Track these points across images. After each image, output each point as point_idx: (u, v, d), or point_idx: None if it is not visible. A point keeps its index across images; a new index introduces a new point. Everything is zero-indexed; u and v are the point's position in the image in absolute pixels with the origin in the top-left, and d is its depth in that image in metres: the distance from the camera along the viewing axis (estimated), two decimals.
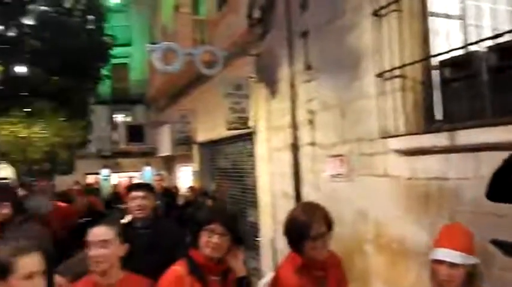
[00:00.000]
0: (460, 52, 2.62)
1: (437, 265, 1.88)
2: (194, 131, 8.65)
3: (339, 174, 3.71)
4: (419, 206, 2.83)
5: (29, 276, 1.68)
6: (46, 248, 1.89)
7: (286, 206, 4.28)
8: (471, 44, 2.55)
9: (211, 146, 8.11)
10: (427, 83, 2.94)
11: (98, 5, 13.87)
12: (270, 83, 5.07)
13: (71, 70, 11.98)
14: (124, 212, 3.36)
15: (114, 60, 15.08)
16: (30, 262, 1.70)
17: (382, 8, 3.09)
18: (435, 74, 2.89)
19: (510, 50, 2.34)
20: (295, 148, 4.47)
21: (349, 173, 3.58)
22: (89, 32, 12.93)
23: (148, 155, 15.13)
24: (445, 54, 2.69)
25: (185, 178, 10.42)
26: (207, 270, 2.13)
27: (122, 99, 20.84)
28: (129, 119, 19.74)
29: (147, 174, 16.70)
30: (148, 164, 16.90)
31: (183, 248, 2.43)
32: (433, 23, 3.00)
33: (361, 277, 3.38)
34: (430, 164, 2.73)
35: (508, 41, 2.33)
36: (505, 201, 1.79)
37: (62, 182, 12.78)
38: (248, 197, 6.25)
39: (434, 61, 2.88)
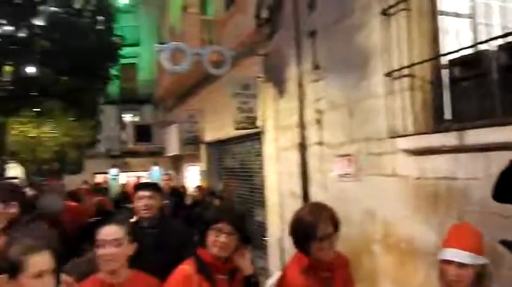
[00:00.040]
0: (470, 51, 2.60)
1: (446, 265, 1.87)
2: (202, 130, 8.67)
3: (346, 174, 3.70)
4: (428, 206, 2.81)
5: (39, 274, 1.69)
6: (54, 248, 1.90)
7: (294, 205, 4.28)
8: (481, 42, 2.53)
9: (219, 146, 8.13)
10: (436, 83, 2.92)
11: (108, 6, 13.94)
12: (278, 82, 5.07)
13: (80, 70, 12.06)
14: (133, 212, 3.38)
15: (122, 61, 15.16)
16: (41, 261, 1.72)
17: (390, 7, 3.07)
18: (444, 73, 2.87)
19: None
20: (303, 147, 4.47)
21: (357, 173, 3.57)
22: (98, 32, 13.00)
23: (156, 154, 15.20)
24: (455, 53, 2.67)
25: (193, 177, 10.45)
26: (214, 269, 2.14)
27: (130, 99, 20.98)
28: (137, 119, 19.86)
29: (155, 173, 16.78)
30: (156, 164, 16.99)
31: (191, 247, 2.44)
32: (443, 21, 2.98)
33: (369, 277, 3.37)
34: (439, 164, 2.71)
35: None
36: (511, 202, 1.78)
37: (71, 182, 12.87)
38: (256, 196, 6.26)
39: (444, 60, 2.87)
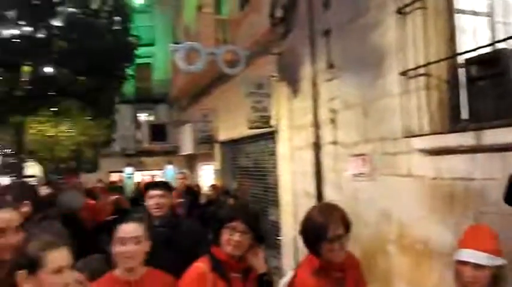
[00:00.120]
0: (487, 50, 2.56)
1: (461, 266, 1.85)
2: (216, 130, 8.71)
3: (361, 173, 3.68)
4: (444, 207, 2.78)
5: (58, 270, 1.70)
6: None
7: (308, 205, 4.24)
8: (499, 41, 2.50)
9: (233, 145, 8.15)
10: (452, 82, 2.88)
11: (124, 6, 14.07)
12: (292, 81, 5.07)
13: (97, 70, 12.21)
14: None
15: (137, 60, 15.30)
16: (59, 256, 1.73)
17: (406, 5, 3.04)
18: (461, 72, 2.83)
19: None
20: (317, 146, 4.46)
21: (371, 173, 3.55)
22: (114, 32, 13.14)
23: (170, 153, 15.32)
24: (472, 52, 2.63)
25: (207, 176, 10.50)
26: (228, 267, 2.15)
27: (145, 99, 21.18)
28: (152, 118, 20.03)
29: (169, 172, 16.91)
30: (170, 163, 17.13)
31: (204, 246, 2.45)
32: (460, 20, 2.94)
33: (384, 277, 3.35)
34: (456, 164, 2.68)
35: None
36: None
37: (87, 180, 13.10)
38: (269, 196, 6.26)
39: (460, 59, 2.83)
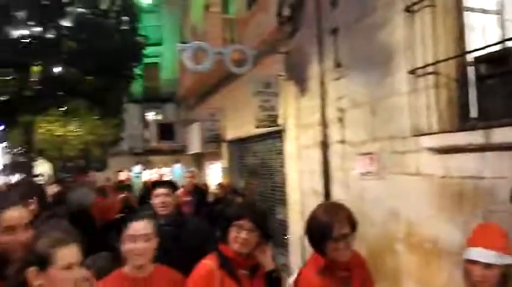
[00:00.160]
0: (497, 48, 2.54)
1: (471, 265, 1.84)
2: (223, 129, 8.73)
3: (368, 172, 3.67)
4: (453, 205, 2.76)
5: (68, 267, 1.71)
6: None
7: (315, 203, 4.24)
8: (508, 39, 2.47)
9: (240, 144, 8.16)
10: (461, 80, 2.86)
11: (132, 6, 14.14)
12: (300, 80, 5.06)
13: (105, 70, 12.27)
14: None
15: (145, 60, 15.38)
16: (69, 253, 1.74)
17: (414, 3, 3.03)
18: (470, 71, 2.81)
19: None
20: (324, 145, 4.45)
21: (379, 171, 3.54)
22: (123, 32, 13.20)
23: (178, 152, 15.37)
24: (481, 50, 2.61)
25: (214, 175, 10.53)
26: (236, 264, 2.17)
27: (153, 98, 21.31)
28: (160, 117, 20.13)
29: (177, 171, 16.98)
30: (178, 162, 17.20)
31: (211, 244, 2.46)
32: (469, 18, 2.92)
33: (393, 276, 3.34)
34: (465, 163, 2.66)
35: None
36: None
37: (96, 179, 13.20)
38: (277, 194, 6.26)
39: (469, 57, 2.81)
